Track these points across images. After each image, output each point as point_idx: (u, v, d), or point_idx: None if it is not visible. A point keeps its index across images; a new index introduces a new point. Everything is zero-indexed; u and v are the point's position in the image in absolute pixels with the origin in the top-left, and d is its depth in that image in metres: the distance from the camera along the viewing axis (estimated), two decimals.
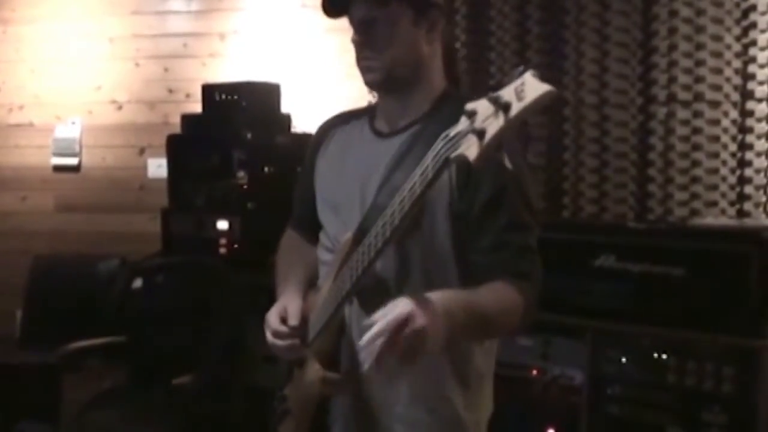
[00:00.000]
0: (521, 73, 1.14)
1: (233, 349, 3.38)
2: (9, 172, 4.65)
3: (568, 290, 2.77)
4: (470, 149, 1.18)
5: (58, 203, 4.61)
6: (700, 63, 3.25)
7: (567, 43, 3.53)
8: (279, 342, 1.66)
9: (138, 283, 4.07)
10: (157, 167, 4.37)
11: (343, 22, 1.70)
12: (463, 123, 1.21)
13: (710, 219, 3.15)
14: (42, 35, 4.58)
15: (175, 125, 4.14)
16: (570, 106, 3.53)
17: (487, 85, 3.70)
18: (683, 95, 3.28)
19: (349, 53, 1.70)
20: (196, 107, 4.14)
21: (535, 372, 2.81)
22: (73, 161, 4.56)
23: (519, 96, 1.12)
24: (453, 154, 1.23)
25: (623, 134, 3.44)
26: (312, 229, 1.82)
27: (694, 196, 3.27)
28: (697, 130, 3.27)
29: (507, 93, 1.14)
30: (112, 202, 4.51)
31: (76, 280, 4.27)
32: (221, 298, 3.42)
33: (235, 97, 3.69)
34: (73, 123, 4.55)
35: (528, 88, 1.11)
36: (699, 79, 3.25)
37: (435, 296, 1.40)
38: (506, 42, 3.64)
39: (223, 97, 3.71)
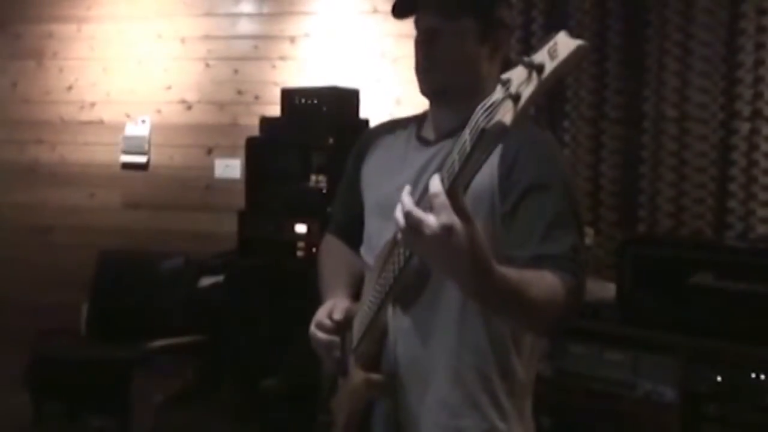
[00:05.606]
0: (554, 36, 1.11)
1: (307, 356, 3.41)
2: (78, 169, 4.70)
3: (661, 306, 2.76)
4: (506, 115, 1.14)
5: (126, 200, 4.66)
6: None
7: (649, 56, 3.51)
8: (320, 334, 1.64)
9: (204, 282, 4.11)
10: (225, 167, 4.42)
11: (412, 29, 1.67)
12: (498, 92, 1.16)
13: None
14: (115, 34, 4.64)
15: (244, 127, 4.18)
16: (649, 118, 3.51)
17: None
18: None
19: None
20: (265, 109, 4.17)
21: (624, 387, 2.79)
22: (141, 159, 4.61)
23: (552, 56, 1.08)
24: (489, 124, 1.16)
25: (703, 149, 3.42)
26: (354, 236, 1.81)
27: None
28: None
29: (540, 55, 1.10)
30: (178, 200, 4.55)
31: (140, 277, 4.32)
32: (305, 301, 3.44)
33: (315, 101, 3.71)
34: (143, 122, 4.59)
35: (560, 46, 1.08)
36: None
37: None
38: None
39: (303, 101, 3.72)
